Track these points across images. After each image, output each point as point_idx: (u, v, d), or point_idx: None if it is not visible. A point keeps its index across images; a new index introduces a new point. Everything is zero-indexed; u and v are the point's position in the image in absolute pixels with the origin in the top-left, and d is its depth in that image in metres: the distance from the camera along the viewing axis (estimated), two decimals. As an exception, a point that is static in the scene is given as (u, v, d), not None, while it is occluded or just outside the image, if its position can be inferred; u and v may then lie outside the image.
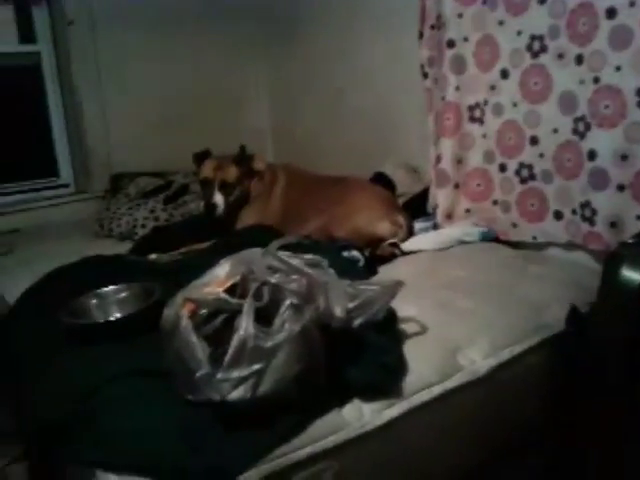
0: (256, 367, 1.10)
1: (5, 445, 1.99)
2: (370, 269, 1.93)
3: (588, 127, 1.87)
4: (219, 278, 1.31)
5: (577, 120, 1.91)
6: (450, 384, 1.36)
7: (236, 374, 1.09)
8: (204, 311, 1.23)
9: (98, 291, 1.65)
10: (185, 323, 1.18)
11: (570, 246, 2.05)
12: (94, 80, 3.08)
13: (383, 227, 2.18)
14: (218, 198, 2.39)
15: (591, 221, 1.90)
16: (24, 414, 1.42)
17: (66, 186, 3.25)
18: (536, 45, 1.99)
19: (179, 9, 3.24)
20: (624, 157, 1.78)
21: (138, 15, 3.13)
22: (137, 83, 3.19)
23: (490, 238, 2.22)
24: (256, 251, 1.38)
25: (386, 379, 1.28)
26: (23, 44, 3.10)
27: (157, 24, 3.20)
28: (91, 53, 3.05)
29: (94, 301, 1.62)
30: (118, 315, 1.59)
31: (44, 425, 1.24)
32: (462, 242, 2.18)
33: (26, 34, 3.10)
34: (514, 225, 2.19)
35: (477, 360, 1.43)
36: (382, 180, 2.61)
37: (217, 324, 1.22)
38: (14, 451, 1.90)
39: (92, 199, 3.11)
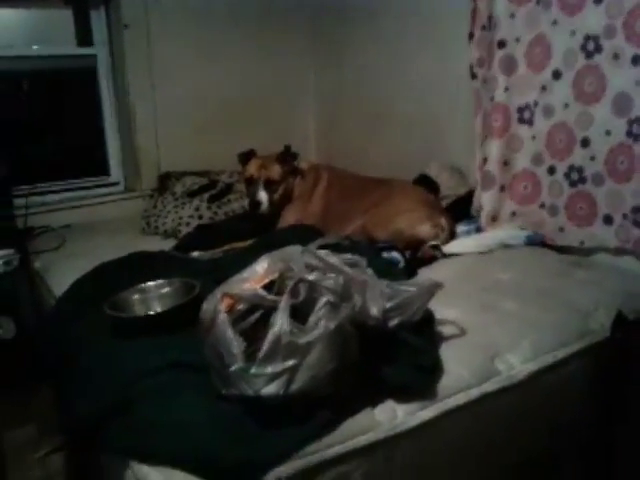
0: (290, 363, 1.10)
1: (46, 435, 2.07)
2: (410, 271, 1.90)
3: (643, 129, 1.80)
4: (257, 274, 1.32)
5: (632, 122, 1.85)
6: (487, 388, 1.32)
7: (270, 369, 1.10)
8: (241, 306, 1.24)
9: (141, 286, 1.68)
10: (222, 318, 1.19)
11: (619, 251, 1.97)
12: (147, 82, 3.14)
13: (424, 229, 2.15)
14: (263, 195, 2.43)
15: (643, 226, 1.83)
16: (65, 404, 1.45)
17: (116, 184, 3.34)
18: (590, 45, 1.93)
19: (231, 15, 3.29)
20: (680, 160, 1.72)
21: (190, 19, 3.20)
22: (186, 85, 3.24)
23: (536, 242, 2.16)
24: (295, 249, 1.38)
25: (421, 380, 1.26)
26: (81, 47, 3.20)
27: (209, 29, 3.26)
28: (145, 56, 3.11)
29: (136, 296, 1.65)
30: (159, 309, 1.62)
31: (84, 415, 1.26)
32: (506, 245, 2.13)
33: (83, 37, 3.20)
34: (561, 229, 2.12)
35: (516, 365, 1.39)
36: (426, 182, 2.58)
37: (253, 320, 1.22)
38: (55, 441, 1.97)
39: (140, 197, 3.18)
